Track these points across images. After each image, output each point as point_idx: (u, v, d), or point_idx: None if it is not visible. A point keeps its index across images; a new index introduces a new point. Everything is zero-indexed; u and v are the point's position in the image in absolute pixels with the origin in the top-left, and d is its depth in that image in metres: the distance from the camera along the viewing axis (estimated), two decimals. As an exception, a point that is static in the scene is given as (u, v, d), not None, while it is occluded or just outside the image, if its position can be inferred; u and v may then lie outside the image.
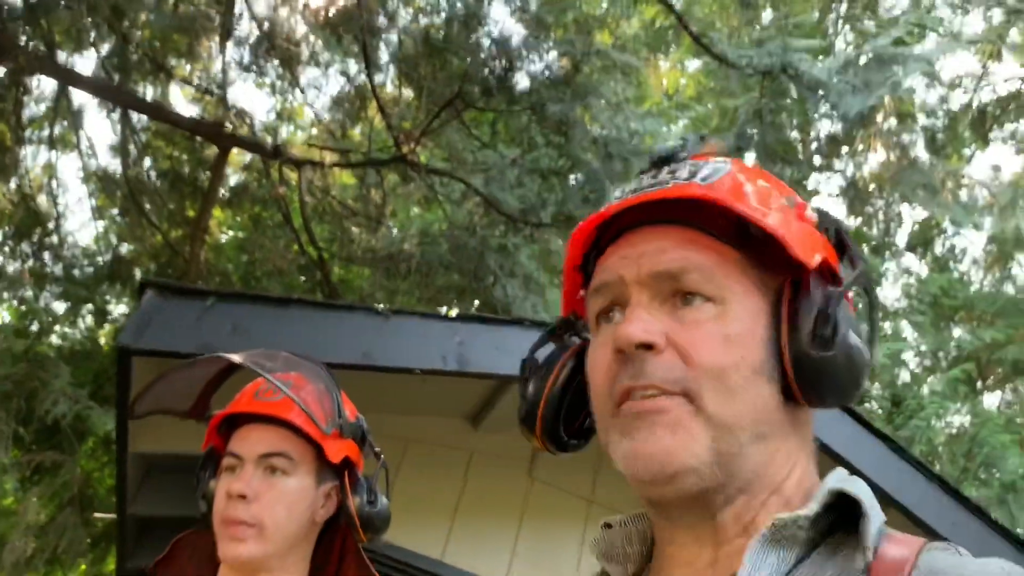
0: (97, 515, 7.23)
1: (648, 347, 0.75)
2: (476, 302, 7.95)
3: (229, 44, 7.66)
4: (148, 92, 8.08)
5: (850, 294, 0.83)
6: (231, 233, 9.83)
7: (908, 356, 11.63)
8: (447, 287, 7.98)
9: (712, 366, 0.74)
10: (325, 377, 1.55)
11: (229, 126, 7.70)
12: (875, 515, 0.72)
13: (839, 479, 0.77)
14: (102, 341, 8.51)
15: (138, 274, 8.16)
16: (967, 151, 12.78)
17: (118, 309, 8.88)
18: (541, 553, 3.64)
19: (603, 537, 0.87)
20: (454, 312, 7.84)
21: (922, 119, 11.61)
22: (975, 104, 12.31)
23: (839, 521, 0.74)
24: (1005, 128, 12.90)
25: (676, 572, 0.79)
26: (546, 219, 7.34)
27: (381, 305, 3.49)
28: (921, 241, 12.62)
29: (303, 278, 8.53)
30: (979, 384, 11.84)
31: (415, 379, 3.15)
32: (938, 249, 12.90)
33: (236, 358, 1.48)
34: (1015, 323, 11.17)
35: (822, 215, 0.84)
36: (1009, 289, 12.60)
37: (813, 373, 0.76)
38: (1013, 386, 12.39)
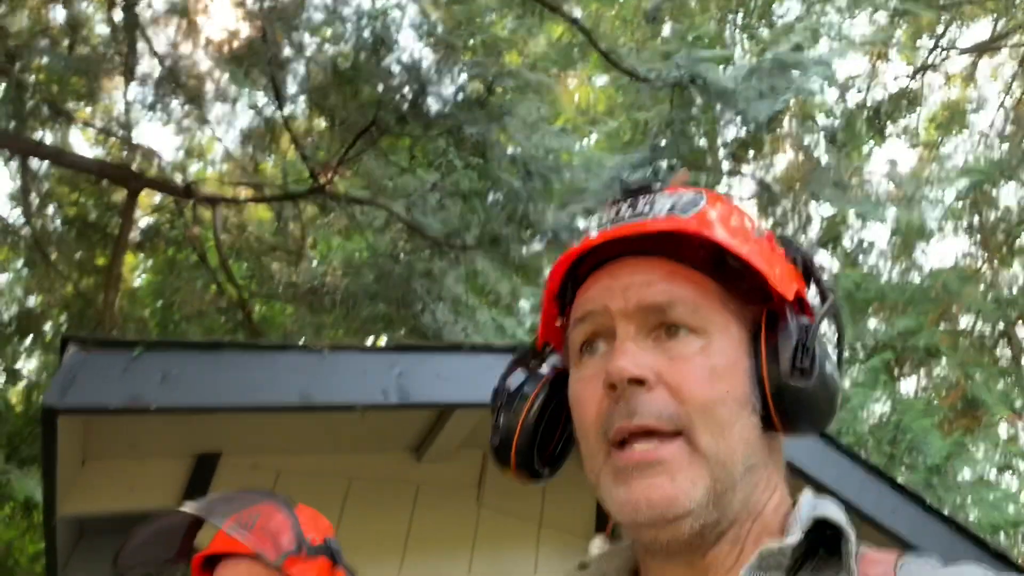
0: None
1: (640, 382, 0.74)
2: (403, 330, 7.87)
3: (131, 84, 7.45)
4: (47, 137, 7.78)
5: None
6: (145, 277, 9.52)
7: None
8: (374, 317, 7.87)
9: (702, 401, 0.75)
10: (283, 506, 1.64)
11: (136, 168, 7.47)
12: (852, 537, 0.74)
13: (813, 503, 0.78)
14: (14, 400, 8.11)
15: (48, 327, 7.82)
16: (865, 148, 13.31)
17: (29, 365, 8.50)
18: (495, 580, 3.60)
19: None
20: (385, 341, 7.74)
21: (821, 119, 12.08)
22: (869, 102, 12.88)
23: (816, 542, 0.75)
24: (899, 124, 13.54)
25: None
26: (470, 241, 7.33)
27: (316, 342, 3.41)
28: (830, 237, 13.04)
29: (223, 319, 8.29)
30: (896, 371, 12.28)
31: (355, 415, 3.08)
32: (847, 243, 13.36)
33: (197, 511, 1.60)
34: (924, 310, 11.64)
35: (787, 243, 0.85)
36: (915, 278, 13.13)
37: (793, 403, 0.77)
38: (927, 370, 12.88)
